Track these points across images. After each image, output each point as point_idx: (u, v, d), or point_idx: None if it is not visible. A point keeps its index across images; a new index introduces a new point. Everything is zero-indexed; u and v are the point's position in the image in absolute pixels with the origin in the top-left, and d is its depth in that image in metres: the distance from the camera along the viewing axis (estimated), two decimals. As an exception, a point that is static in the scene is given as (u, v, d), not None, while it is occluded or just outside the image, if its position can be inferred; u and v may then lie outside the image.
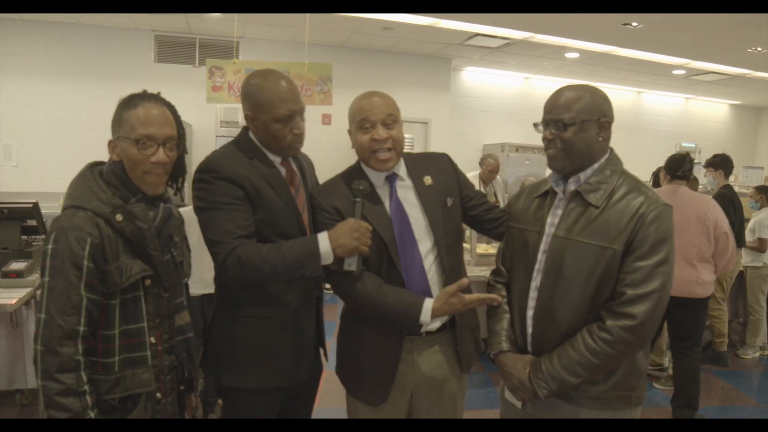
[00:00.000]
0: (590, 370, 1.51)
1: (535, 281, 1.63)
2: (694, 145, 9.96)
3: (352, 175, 1.81)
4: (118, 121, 1.47)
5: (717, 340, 4.63)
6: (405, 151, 1.86)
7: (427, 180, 1.81)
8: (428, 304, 1.66)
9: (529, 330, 1.64)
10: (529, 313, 1.64)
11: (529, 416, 1.71)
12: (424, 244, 1.75)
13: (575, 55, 7.26)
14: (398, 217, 1.75)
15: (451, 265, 1.79)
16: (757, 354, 4.85)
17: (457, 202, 1.86)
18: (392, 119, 1.73)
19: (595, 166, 1.59)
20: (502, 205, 5.88)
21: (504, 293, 1.77)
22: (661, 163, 3.73)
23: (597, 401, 1.58)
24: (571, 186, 1.61)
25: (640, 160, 7.51)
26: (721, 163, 4.68)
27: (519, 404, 1.69)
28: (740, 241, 4.58)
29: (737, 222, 4.50)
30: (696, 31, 5.80)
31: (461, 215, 1.89)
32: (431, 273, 1.76)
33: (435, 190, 1.80)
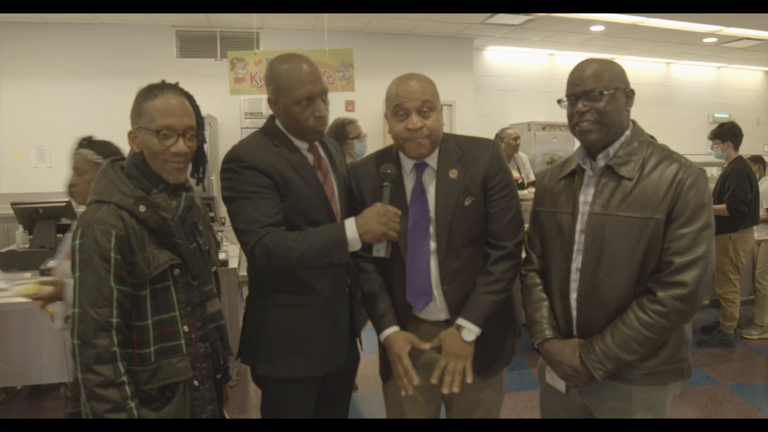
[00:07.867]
0: (646, 345, 1.49)
1: (576, 262, 1.59)
2: (728, 116, 9.64)
3: (384, 156, 1.79)
4: (137, 112, 1.48)
5: (727, 323, 4.33)
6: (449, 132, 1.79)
7: (453, 173, 1.70)
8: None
9: (574, 313, 1.61)
10: (573, 295, 1.61)
11: (573, 401, 1.69)
12: (434, 241, 1.70)
13: (600, 28, 7.06)
14: (416, 208, 1.70)
15: (455, 271, 1.70)
16: (766, 335, 4.49)
17: (480, 202, 1.71)
18: (428, 107, 1.64)
19: (622, 138, 1.57)
20: (526, 181, 5.78)
21: (538, 280, 1.74)
22: (695, 135, 3.57)
23: (651, 376, 1.55)
24: (601, 161, 1.58)
25: (673, 133, 7.31)
26: (729, 134, 4.22)
27: (563, 388, 1.66)
28: (756, 219, 4.26)
29: (753, 200, 4.15)
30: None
31: (481, 216, 1.73)
32: (435, 273, 1.71)
33: (456, 185, 1.69)
